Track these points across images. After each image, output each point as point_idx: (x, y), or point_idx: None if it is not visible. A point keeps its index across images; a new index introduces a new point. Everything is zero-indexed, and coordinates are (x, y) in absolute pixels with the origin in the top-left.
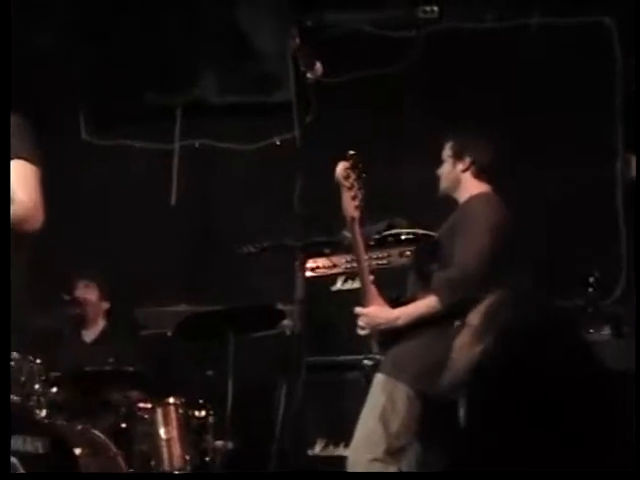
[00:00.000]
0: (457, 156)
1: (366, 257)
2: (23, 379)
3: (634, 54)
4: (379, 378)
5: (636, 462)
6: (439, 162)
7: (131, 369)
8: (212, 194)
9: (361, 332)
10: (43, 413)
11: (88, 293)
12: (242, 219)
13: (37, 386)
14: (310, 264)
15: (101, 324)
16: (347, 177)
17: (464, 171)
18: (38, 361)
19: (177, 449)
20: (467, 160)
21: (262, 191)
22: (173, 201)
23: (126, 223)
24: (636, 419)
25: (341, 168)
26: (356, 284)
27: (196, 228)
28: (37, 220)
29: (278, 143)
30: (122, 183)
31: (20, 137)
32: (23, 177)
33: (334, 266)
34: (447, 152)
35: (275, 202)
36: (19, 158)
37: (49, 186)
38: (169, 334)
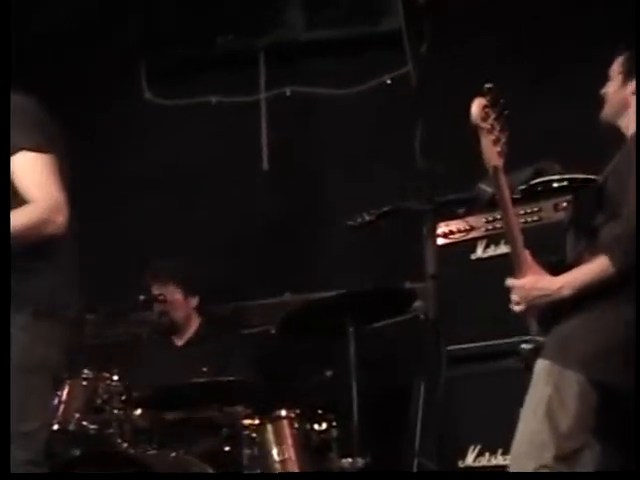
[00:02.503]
0: (628, 73)
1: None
2: (99, 402)
3: None
4: (542, 365)
5: (636, 462)
6: (601, 85)
7: (231, 379)
8: (311, 152)
9: (516, 308)
10: (126, 442)
11: (169, 293)
12: (351, 180)
13: (117, 410)
14: (442, 229)
15: (194, 324)
16: (486, 117)
17: (635, 92)
18: (116, 378)
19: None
20: None
21: (373, 143)
22: (265, 165)
23: (210, 197)
24: (636, 419)
25: (478, 107)
26: (501, 249)
27: (295, 197)
28: (59, 220)
29: (388, 82)
30: (200, 149)
31: (19, 125)
32: (31, 171)
33: (472, 229)
34: (617, 68)
35: (391, 156)
36: (22, 150)
37: (112, 161)
38: (273, 331)
